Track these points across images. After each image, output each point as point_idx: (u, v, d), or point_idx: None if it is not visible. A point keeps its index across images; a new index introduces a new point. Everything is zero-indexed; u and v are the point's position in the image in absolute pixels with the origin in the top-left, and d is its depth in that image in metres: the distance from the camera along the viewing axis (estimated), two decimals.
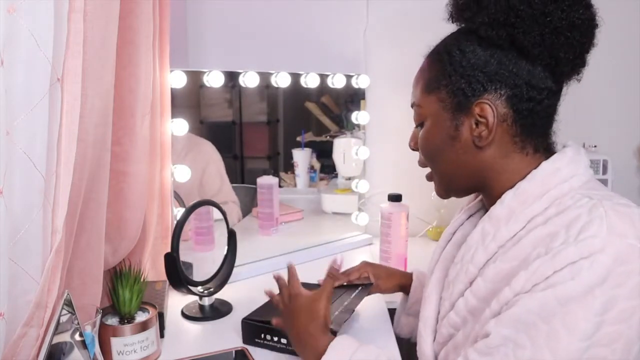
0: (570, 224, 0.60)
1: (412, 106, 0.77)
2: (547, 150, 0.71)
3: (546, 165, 0.68)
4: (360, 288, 1.00)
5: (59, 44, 0.63)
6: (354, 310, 0.93)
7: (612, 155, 1.42)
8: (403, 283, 1.02)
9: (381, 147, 1.55)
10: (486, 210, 0.76)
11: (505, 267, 0.64)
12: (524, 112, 0.68)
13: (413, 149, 0.80)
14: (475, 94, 0.68)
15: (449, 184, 0.77)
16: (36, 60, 0.60)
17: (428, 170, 0.79)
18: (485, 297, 0.66)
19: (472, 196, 0.86)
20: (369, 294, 1.00)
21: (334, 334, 0.78)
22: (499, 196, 0.70)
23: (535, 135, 0.70)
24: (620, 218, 0.58)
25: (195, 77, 1.20)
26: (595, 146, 1.45)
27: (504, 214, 0.68)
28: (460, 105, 0.69)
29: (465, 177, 0.73)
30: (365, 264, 1.05)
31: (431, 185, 0.80)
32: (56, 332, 0.62)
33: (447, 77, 0.70)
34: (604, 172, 1.40)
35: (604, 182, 1.39)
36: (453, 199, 0.80)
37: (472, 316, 0.68)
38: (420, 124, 0.76)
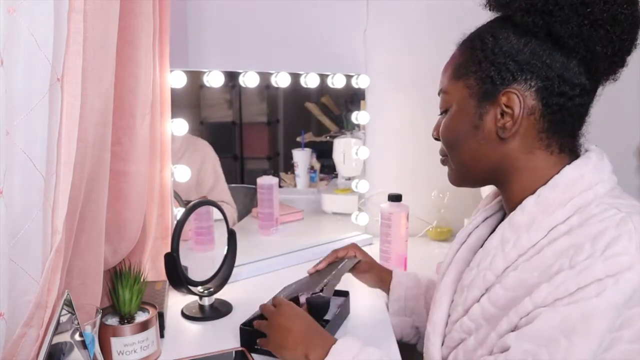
0: (596, 236, 0.58)
1: (439, 94, 0.75)
2: (572, 152, 0.69)
3: (569, 171, 0.66)
4: (346, 260, 1.04)
5: (59, 44, 0.63)
6: (341, 277, 0.97)
7: (612, 155, 1.41)
8: (383, 277, 1.04)
9: (381, 147, 1.55)
10: (504, 213, 0.74)
11: (526, 277, 0.62)
12: (554, 107, 0.65)
13: (436, 139, 0.77)
14: (504, 82, 0.65)
15: (465, 174, 0.74)
16: (36, 60, 0.60)
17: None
18: (504, 305, 0.64)
19: (490, 197, 0.83)
20: (353, 268, 1.04)
21: (327, 301, 0.80)
22: (519, 198, 0.68)
23: (562, 134, 0.68)
24: None
25: (195, 77, 1.19)
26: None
27: (525, 221, 0.66)
28: (487, 94, 0.67)
29: (484, 169, 0.71)
30: (353, 245, 1.08)
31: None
32: (56, 332, 0.62)
33: (477, 63, 0.68)
34: None
35: None
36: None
37: (487, 322, 0.66)
38: (444, 111, 0.74)
